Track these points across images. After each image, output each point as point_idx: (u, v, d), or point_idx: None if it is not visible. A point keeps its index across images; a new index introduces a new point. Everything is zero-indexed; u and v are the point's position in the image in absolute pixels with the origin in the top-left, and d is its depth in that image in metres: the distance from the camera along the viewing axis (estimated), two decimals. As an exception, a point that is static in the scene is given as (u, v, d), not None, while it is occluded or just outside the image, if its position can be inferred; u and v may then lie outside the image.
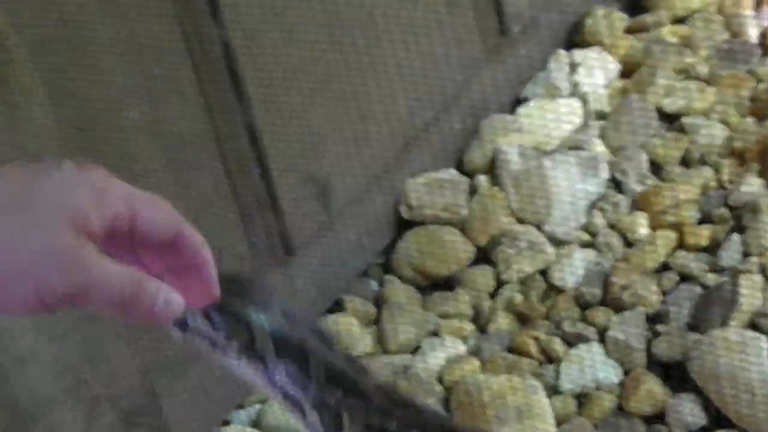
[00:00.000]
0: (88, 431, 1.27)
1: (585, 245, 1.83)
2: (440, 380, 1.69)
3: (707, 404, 1.60)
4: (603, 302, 1.74)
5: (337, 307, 1.81)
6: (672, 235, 1.79)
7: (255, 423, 1.66)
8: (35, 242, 0.64)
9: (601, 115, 2.00)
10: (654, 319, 1.70)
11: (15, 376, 1.21)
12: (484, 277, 1.82)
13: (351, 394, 0.89)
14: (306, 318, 0.92)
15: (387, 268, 1.87)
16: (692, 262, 1.75)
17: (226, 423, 1.64)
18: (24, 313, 0.66)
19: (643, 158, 1.91)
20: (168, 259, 0.71)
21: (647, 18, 2.15)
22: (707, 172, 1.86)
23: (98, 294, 0.66)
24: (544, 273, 1.81)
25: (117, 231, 0.67)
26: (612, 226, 1.84)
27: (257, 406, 1.67)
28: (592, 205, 1.87)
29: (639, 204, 1.85)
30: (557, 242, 1.84)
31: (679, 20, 2.15)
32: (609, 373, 1.66)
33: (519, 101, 2.04)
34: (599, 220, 1.85)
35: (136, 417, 1.34)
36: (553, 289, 1.79)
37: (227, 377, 1.58)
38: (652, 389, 1.62)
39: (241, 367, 0.90)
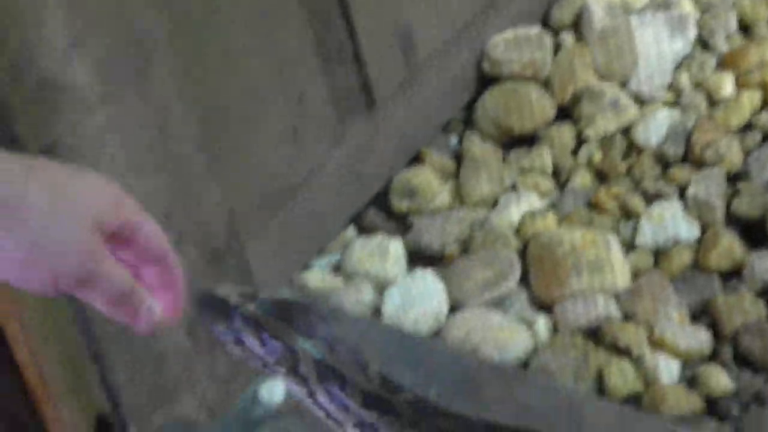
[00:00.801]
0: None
1: (669, 104, 1.83)
2: (517, 234, 1.71)
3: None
4: (684, 160, 1.74)
5: (417, 160, 1.83)
6: (757, 95, 1.78)
7: (336, 268, 1.70)
8: (65, 228, 0.74)
9: (691, -27, 1.97)
10: (735, 177, 1.70)
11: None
12: (565, 134, 1.83)
13: (385, 413, 0.95)
14: (348, 343, 0.97)
15: (468, 123, 1.88)
16: (776, 122, 1.74)
17: (308, 268, 1.68)
18: (34, 291, 0.76)
19: (732, 17, 1.89)
20: (147, 272, 0.80)
21: None
22: (796, 30, 1.83)
23: (103, 285, 0.75)
24: (626, 131, 1.81)
25: (119, 237, 0.77)
26: (697, 85, 1.83)
27: (338, 254, 1.71)
28: (678, 64, 1.86)
29: (725, 63, 1.83)
30: (641, 101, 1.84)
31: None
32: (687, 229, 1.66)
33: (607, -42, 2.02)
34: (685, 79, 1.84)
35: (220, 256, 1.37)
36: (634, 148, 1.79)
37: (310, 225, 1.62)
38: (730, 246, 1.63)
39: (290, 385, 0.96)
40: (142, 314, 0.78)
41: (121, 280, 0.76)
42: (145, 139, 1.28)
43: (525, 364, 1.54)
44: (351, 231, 1.75)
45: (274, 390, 1.39)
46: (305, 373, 0.97)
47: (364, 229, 1.75)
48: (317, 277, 1.67)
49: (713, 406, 1.47)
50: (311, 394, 0.97)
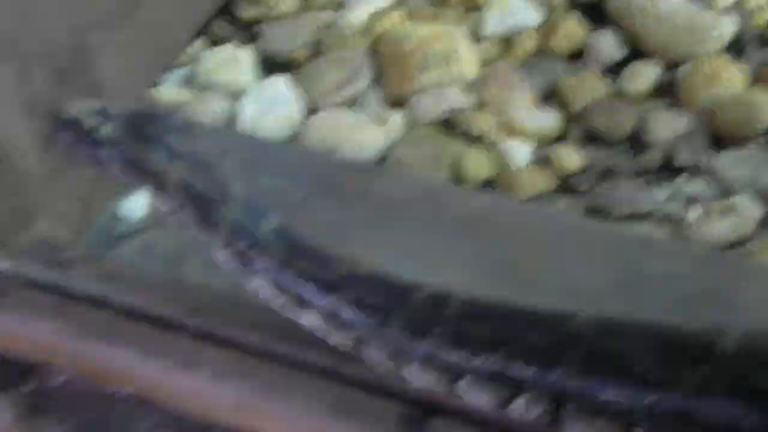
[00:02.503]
0: (19, 91, 1.30)
1: None
2: (365, 33, 1.72)
3: (624, 39, 1.66)
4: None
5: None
6: None
7: (187, 81, 1.69)
8: None
9: None
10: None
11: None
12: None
13: (252, 243, 0.95)
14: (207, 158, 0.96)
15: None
16: None
17: (159, 83, 1.67)
18: None
19: None
20: None
21: None
22: None
23: None
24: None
25: None
26: None
27: (189, 67, 1.70)
28: None
29: None
30: None
31: None
32: (531, 16, 1.69)
33: None
34: None
35: (69, 75, 1.35)
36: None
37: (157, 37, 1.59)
38: (572, 28, 1.67)
39: (156, 202, 0.96)
40: None
41: None
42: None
43: (383, 160, 1.57)
44: (199, 44, 1.73)
45: (136, 206, 1.40)
46: (170, 190, 0.98)
47: (213, 41, 1.74)
48: (169, 91, 1.66)
49: (566, 184, 1.52)
50: (181, 208, 0.98)
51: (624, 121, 1.57)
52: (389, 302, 0.92)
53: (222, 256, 0.98)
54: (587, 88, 1.61)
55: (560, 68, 1.65)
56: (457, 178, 1.53)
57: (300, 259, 0.96)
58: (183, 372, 1.01)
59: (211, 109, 1.62)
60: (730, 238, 1.42)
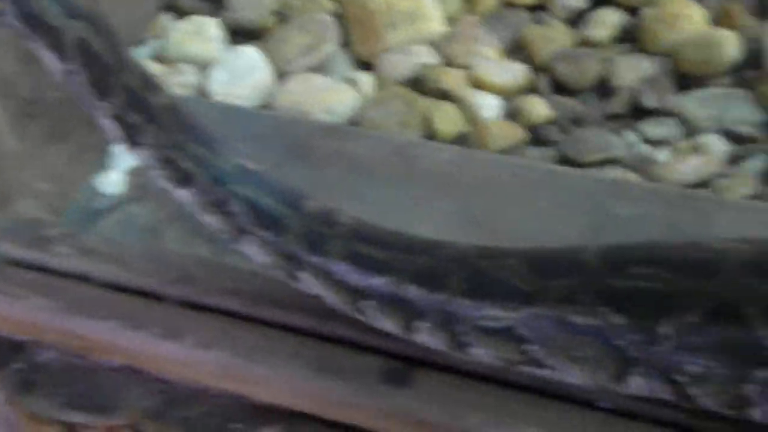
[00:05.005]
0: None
1: None
2: None
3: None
4: None
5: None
6: None
7: (157, 55, 1.70)
8: None
9: None
10: None
11: None
12: None
13: (143, 111, 0.94)
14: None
15: None
16: None
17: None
18: None
19: None
20: None
21: None
22: None
23: None
24: None
25: None
26: None
27: (157, 41, 1.71)
28: None
29: None
30: None
31: None
32: (492, -31, 1.71)
33: None
34: None
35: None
36: None
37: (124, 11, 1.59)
38: (533, -21, 1.68)
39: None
40: None
41: None
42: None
43: (354, 123, 1.58)
44: (166, 17, 1.74)
45: (113, 181, 1.41)
46: (67, 50, 0.95)
47: (180, 13, 1.75)
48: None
49: (536, 134, 1.54)
50: (75, 71, 0.95)
51: (589, 69, 1.59)
52: (283, 210, 0.94)
53: (110, 125, 0.96)
54: (552, 38, 1.63)
55: (525, 20, 1.67)
56: (429, 134, 1.54)
57: (190, 138, 0.95)
58: (167, 341, 1.03)
59: (181, 81, 1.63)
60: (699, 176, 1.45)
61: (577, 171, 1.44)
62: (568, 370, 0.85)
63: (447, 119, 1.55)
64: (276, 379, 1.00)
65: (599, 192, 1.35)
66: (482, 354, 0.88)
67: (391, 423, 0.97)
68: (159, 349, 1.03)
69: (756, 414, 0.81)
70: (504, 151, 1.51)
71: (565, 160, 1.49)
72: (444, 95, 1.58)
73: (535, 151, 1.52)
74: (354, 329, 0.99)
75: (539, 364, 0.86)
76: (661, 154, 1.48)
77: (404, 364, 0.99)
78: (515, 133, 1.53)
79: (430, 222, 1.31)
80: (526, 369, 0.88)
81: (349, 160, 1.40)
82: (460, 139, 1.54)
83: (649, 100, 1.54)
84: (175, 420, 1.04)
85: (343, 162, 1.40)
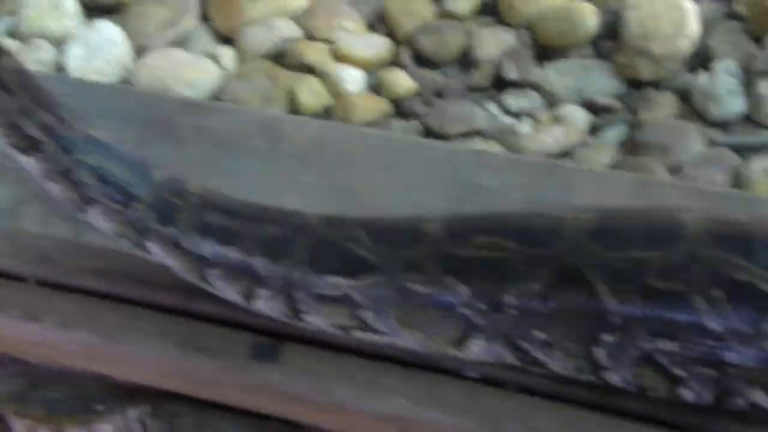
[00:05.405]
0: None
1: None
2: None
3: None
4: None
5: None
6: None
7: (11, 32, 1.65)
8: None
9: None
10: None
11: None
12: None
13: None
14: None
15: None
16: None
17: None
18: None
19: None
20: None
21: None
22: None
23: None
24: None
25: None
26: None
27: (11, 17, 1.66)
28: None
29: None
30: None
31: None
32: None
33: None
34: None
35: None
36: None
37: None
38: (394, -48, 1.68)
39: None
40: None
41: None
42: None
43: (217, 98, 1.56)
44: (20, -8, 1.70)
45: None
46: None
47: (34, -12, 1.70)
48: (-8, 42, 1.62)
49: (400, 107, 1.54)
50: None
51: (452, 42, 1.59)
52: (131, 180, 0.93)
53: None
54: (414, 11, 1.63)
55: (386, -7, 1.67)
56: (293, 109, 1.54)
57: (38, 104, 0.93)
58: (27, 322, 1.01)
59: (37, 57, 1.59)
60: (560, 147, 1.47)
61: (441, 143, 1.45)
62: (402, 335, 0.85)
63: (311, 93, 1.55)
64: (140, 358, 0.99)
65: (463, 163, 1.36)
66: (317, 321, 0.89)
67: (259, 399, 0.96)
68: (19, 331, 1.01)
69: (614, 378, 0.82)
70: (368, 124, 1.51)
71: (429, 132, 1.50)
72: (307, 69, 1.57)
73: (399, 124, 1.52)
74: (222, 306, 0.98)
75: (373, 330, 0.87)
76: (524, 126, 1.50)
77: (273, 340, 0.98)
78: (379, 106, 1.53)
79: (296, 196, 1.29)
80: (360, 335, 0.88)
81: (213, 136, 1.38)
82: (325, 113, 1.54)
83: (511, 72, 1.55)
84: (37, 402, 1.02)
85: (207, 138, 1.38)
